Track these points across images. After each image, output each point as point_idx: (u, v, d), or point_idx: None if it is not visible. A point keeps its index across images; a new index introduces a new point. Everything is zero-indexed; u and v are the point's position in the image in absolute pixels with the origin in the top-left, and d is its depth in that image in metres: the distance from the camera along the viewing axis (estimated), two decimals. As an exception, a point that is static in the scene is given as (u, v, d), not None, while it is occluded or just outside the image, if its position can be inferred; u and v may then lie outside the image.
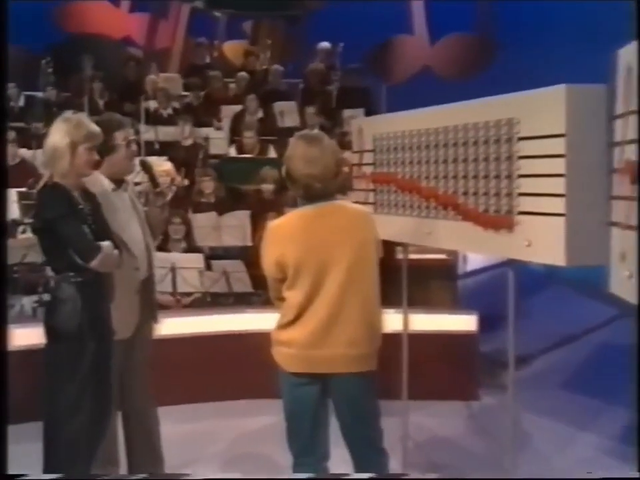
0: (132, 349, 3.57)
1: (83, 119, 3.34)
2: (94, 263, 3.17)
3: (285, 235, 2.93)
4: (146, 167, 3.77)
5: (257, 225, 6.25)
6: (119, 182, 3.59)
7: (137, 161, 3.72)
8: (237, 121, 8.76)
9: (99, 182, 3.51)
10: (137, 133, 7.86)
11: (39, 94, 9.54)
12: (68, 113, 3.39)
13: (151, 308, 3.66)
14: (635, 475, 3.06)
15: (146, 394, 3.72)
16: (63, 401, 3.19)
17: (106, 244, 3.21)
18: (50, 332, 3.25)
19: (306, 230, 2.91)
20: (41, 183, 3.29)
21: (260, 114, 8.95)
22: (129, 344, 3.53)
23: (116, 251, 3.26)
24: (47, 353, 3.25)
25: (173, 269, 5.45)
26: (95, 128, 3.32)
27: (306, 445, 3.01)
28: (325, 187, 2.90)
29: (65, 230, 3.18)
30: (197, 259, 5.65)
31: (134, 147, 3.59)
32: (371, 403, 3.04)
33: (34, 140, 7.89)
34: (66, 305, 3.21)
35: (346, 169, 4.98)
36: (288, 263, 2.88)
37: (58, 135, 3.25)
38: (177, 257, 5.62)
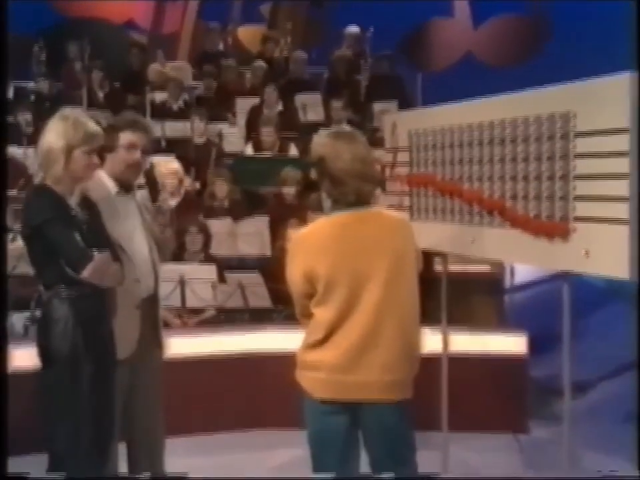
0: (136, 372, 3.60)
1: (81, 118, 3.34)
2: (85, 273, 3.18)
3: (315, 245, 2.95)
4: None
5: (277, 232, 6.31)
6: (126, 186, 3.64)
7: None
8: (254, 115, 8.82)
9: (103, 183, 3.58)
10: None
11: (30, 84, 9.65)
12: (66, 110, 3.39)
13: (154, 332, 3.68)
14: (635, 475, 3.17)
15: (154, 424, 3.73)
16: (61, 431, 3.22)
17: (102, 254, 3.22)
18: (43, 354, 3.27)
19: (338, 239, 2.92)
20: (30, 186, 3.34)
21: (279, 107, 9.03)
22: (132, 366, 3.56)
23: (116, 264, 3.28)
24: (41, 378, 3.27)
25: (182, 282, 5.47)
26: (95, 128, 3.32)
27: None
28: (372, 188, 2.96)
29: (51, 236, 3.20)
30: (208, 271, 5.67)
31: (136, 155, 3.57)
32: (406, 435, 3.06)
33: (24, 136, 8.02)
34: (58, 324, 3.23)
35: (378, 169, 5.04)
36: (318, 277, 2.89)
37: (53, 135, 3.26)
38: (186, 269, 5.63)
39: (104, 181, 3.59)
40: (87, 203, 3.37)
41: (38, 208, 3.24)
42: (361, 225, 2.93)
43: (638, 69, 2.88)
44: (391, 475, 3.00)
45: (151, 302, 3.66)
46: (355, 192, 2.92)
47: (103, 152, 3.58)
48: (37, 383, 3.29)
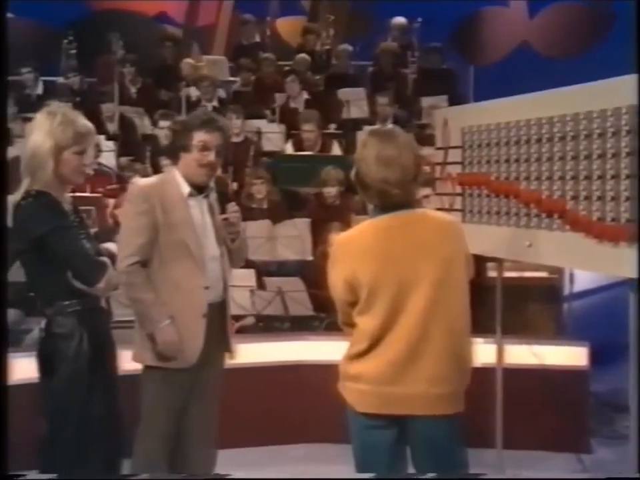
0: (196, 382, 3.65)
1: (70, 114, 3.27)
2: (100, 286, 3.16)
3: (357, 250, 2.96)
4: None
5: (318, 235, 6.32)
6: (199, 188, 3.67)
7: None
8: (287, 112, 8.86)
9: (176, 183, 3.64)
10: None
11: (60, 79, 9.80)
12: (53, 106, 3.33)
13: (223, 337, 3.75)
14: (635, 475, 3.16)
15: (209, 432, 3.78)
16: (69, 456, 3.22)
17: (108, 261, 3.22)
18: (49, 372, 3.23)
19: (382, 244, 2.92)
20: (20, 193, 3.18)
21: (304, 97, 9.05)
22: (192, 375, 3.62)
23: (114, 271, 3.27)
24: (49, 396, 3.24)
25: (219, 288, 5.52)
26: (86, 125, 3.25)
27: None
28: (404, 193, 2.92)
29: (58, 246, 3.12)
30: (247, 276, 5.71)
31: (210, 156, 3.59)
32: (457, 451, 3.04)
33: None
34: (69, 341, 3.19)
35: (427, 169, 5.02)
36: (361, 283, 2.90)
37: (39, 134, 3.18)
38: (222, 274, 5.68)
39: (178, 181, 3.64)
40: (75, 207, 3.36)
41: (40, 217, 3.14)
42: (406, 228, 2.93)
43: (638, 68, 2.89)
44: None
45: (220, 308, 3.71)
46: (378, 195, 2.93)
47: (177, 151, 3.66)
48: (44, 400, 3.28)
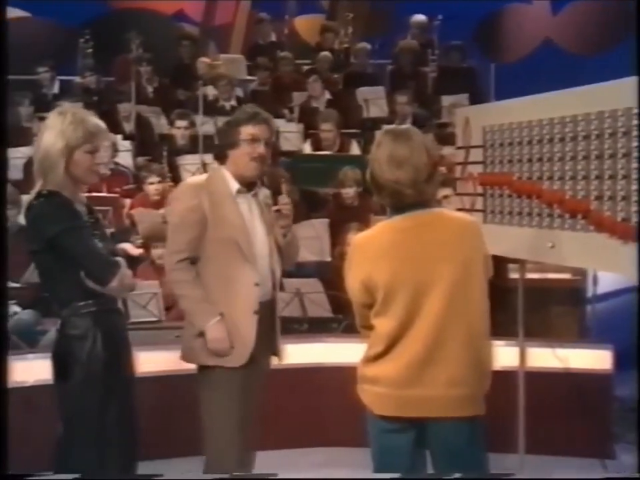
0: (249, 378, 3.66)
1: (80, 114, 3.30)
2: (113, 285, 3.18)
3: (373, 250, 2.96)
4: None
5: (337, 236, 6.31)
6: (248, 184, 3.72)
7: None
8: (307, 111, 8.86)
9: (225, 181, 3.68)
10: (193, 124, 8.16)
11: (76, 79, 9.85)
12: (64, 106, 3.41)
13: (271, 338, 3.78)
14: (635, 475, 3.15)
15: (249, 439, 3.78)
16: (84, 458, 3.24)
17: (123, 260, 3.24)
18: (65, 375, 3.24)
19: (398, 245, 2.92)
20: (33, 194, 3.22)
21: (326, 97, 9.05)
22: (244, 374, 3.63)
23: (129, 271, 3.29)
24: (64, 402, 3.26)
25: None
26: (97, 124, 3.28)
27: None
28: (417, 193, 2.92)
29: (71, 247, 3.15)
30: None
31: (260, 148, 3.64)
32: (476, 455, 3.01)
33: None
34: (83, 342, 3.20)
35: (443, 169, 5.00)
36: (377, 285, 2.90)
37: (50, 135, 3.20)
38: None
39: (226, 179, 3.69)
40: (89, 207, 3.37)
41: (52, 217, 3.16)
42: (423, 228, 2.93)
43: (638, 68, 2.87)
44: None
45: (269, 307, 3.74)
46: (391, 196, 2.93)
47: (225, 149, 3.71)
48: (60, 402, 3.29)
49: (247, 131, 3.64)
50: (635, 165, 3.21)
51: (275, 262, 3.75)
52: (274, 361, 3.89)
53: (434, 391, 2.89)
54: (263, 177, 3.87)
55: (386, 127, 3.22)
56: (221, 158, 3.79)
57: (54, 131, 3.19)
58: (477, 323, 2.93)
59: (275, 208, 3.76)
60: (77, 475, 2.95)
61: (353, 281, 2.98)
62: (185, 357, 3.77)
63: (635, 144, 3.21)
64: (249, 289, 3.62)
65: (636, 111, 3.19)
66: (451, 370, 2.88)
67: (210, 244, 3.63)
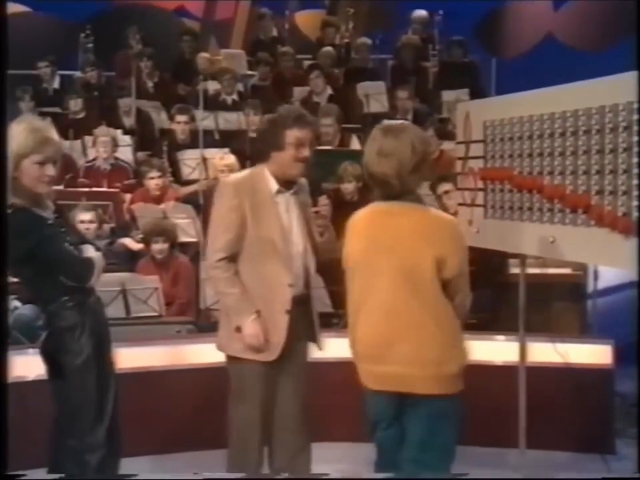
0: (280, 376, 3.82)
1: (36, 123, 3.38)
2: (92, 280, 3.37)
3: (352, 228, 3.24)
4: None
5: (337, 230, 6.31)
6: (287, 183, 3.80)
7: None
8: (307, 105, 8.84)
9: (265, 181, 3.77)
10: (193, 119, 8.16)
11: (77, 73, 9.84)
12: (25, 116, 3.47)
13: (308, 330, 3.92)
14: (636, 475, 3.33)
15: (301, 424, 3.92)
16: (87, 449, 3.36)
17: (95, 254, 3.38)
18: (58, 365, 3.37)
19: (367, 228, 3.19)
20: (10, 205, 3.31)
21: (327, 92, 9.04)
22: (276, 368, 3.78)
23: (97, 254, 3.45)
24: (59, 389, 3.39)
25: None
26: (49, 136, 3.34)
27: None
28: (401, 185, 3.10)
29: (48, 257, 3.29)
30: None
31: (305, 152, 3.73)
32: (437, 435, 3.10)
33: (71, 128, 8.18)
34: (74, 333, 3.34)
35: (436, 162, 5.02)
36: (347, 257, 3.21)
37: (10, 144, 3.25)
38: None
39: (266, 178, 3.77)
40: (57, 209, 3.50)
41: (22, 233, 3.27)
42: (392, 218, 3.13)
43: (638, 68, 2.87)
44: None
45: (303, 301, 3.86)
46: (378, 186, 3.15)
47: (269, 150, 3.76)
48: (55, 396, 3.41)
49: (293, 134, 3.71)
50: (635, 160, 3.21)
51: (309, 260, 3.86)
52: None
53: (394, 367, 3.09)
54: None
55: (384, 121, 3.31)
56: (263, 157, 3.84)
57: (12, 140, 3.26)
58: (434, 308, 3.08)
59: (314, 209, 3.83)
60: (62, 475, 3.03)
61: (343, 252, 3.26)
62: (221, 348, 3.90)
63: (636, 138, 3.21)
64: (283, 290, 3.75)
65: (636, 105, 3.19)
66: (408, 348, 3.07)
67: (249, 243, 3.74)
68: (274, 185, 3.77)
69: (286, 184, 3.79)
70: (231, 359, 3.85)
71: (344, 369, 3.47)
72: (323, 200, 3.89)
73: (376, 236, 3.14)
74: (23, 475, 2.95)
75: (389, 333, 3.11)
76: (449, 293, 3.11)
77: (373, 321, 3.13)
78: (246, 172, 4.05)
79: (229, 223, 3.71)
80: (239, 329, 3.72)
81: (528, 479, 4.52)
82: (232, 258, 3.73)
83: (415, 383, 3.08)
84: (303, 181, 3.92)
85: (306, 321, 3.89)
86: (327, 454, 5.14)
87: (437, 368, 3.07)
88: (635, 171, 3.20)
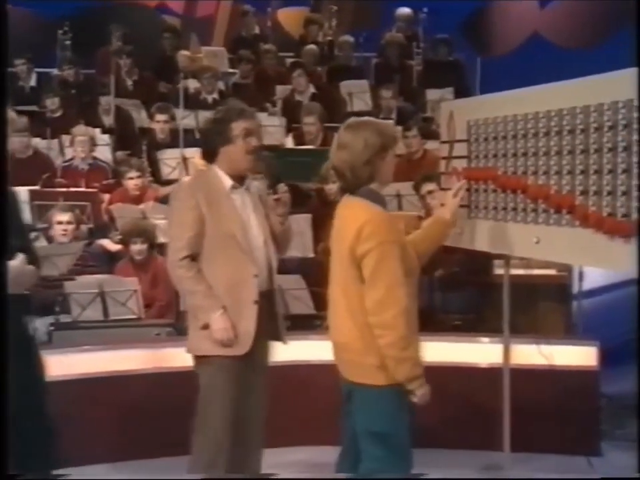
0: (250, 373, 3.86)
1: None
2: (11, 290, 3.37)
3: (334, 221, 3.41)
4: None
5: (320, 231, 6.30)
6: (239, 179, 3.89)
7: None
8: (290, 104, 8.84)
9: (218, 178, 3.86)
10: (173, 118, 8.14)
11: (54, 71, 9.79)
12: None
13: (272, 326, 3.95)
14: (636, 475, 3.35)
15: (261, 423, 3.99)
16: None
17: (12, 263, 3.37)
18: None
19: (334, 222, 3.37)
20: None
21: (310, 91, 9.05)
22: (246, 364, 3.83)
23: (30, 267, 3.48)
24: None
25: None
26: None
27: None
28: (354, 178, 3.27)
29: None
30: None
31: (254, 141, 3.83)
32: (367, 423, 3.22)
33: (48, 127, 8.14)
34: None
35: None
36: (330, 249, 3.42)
37: None
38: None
39: (219, 176, 3.86)
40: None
41: None
42: (339, 212, 3.35)
43: (638, 68, 2.88)
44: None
45: (268, 296, 3.92)
46: (338, 178, 3.36)
47: (217, 147, 3.85)
48: None
49: (240, 126, 3.81)
50: (619, 160, 3.23)
51: (270, 252, 3.94)
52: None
53: (336, 353, 3.35)
54: (257, 169, 3.98)
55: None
56: (212, 156, 3.92)
57: None
58: (355, 303, 3.21)
59: (274, 197, 3.94)
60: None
61: None
62: (191, 349, 3.94)
63: (621, 138, 3.23)
64: (249, 280, 3.83)
65: (621, 104, 3.21)
66: (340, 337, 3.29)
67: (209, 240, 3.82)
68: (228, 182, 3.86)
69: (239, 180, 3.88)
70: (200, 359, 3.89)
71: (329, 371, 3.47)
72: (282, 187, 3.93)
73: (335, 230, 3.36)
74: (23, 475, 3.00)
75: (333, 323, 3.34)
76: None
77: (330, 311, 3.37)
78: (198, 173, 4.12)
79: (188, 222, 3.80)
80: (206, 326, 3.78)
81: (490, 479, 4.53)
82: (194, 257, 3.81)
83: (345, 369, 3.29)
84: (256, 183, 4.05)
85: (270, 318, 3.94)
86: (312, 457, 5.16)
87: (357, 357, 3.22)
88: (619, 170, 3.22)
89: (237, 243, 3.81)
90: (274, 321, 3.97)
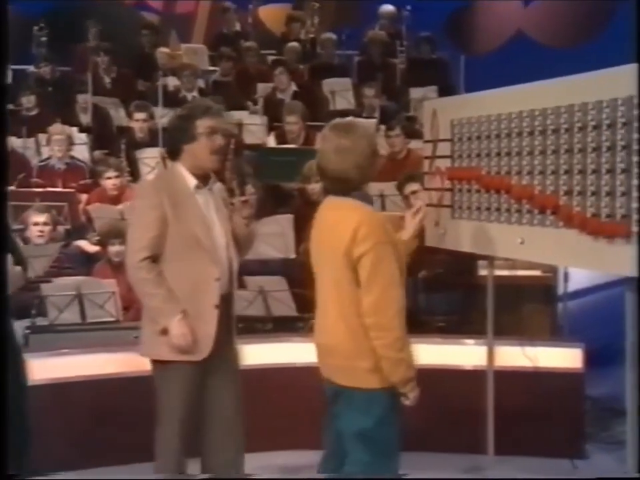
0: (214, 373, 3.80)
1: None
2: None
3: (314, 223, 3.38)
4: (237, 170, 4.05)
5: (302, 232, 6.31)
6: (203, 178, 3.82)
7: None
8: (271, 103, 8.84)
9: (181, 177, 3.79)
10: (152, 117, 8.13)
11: (30, 68, 9.75)
12: None
13: (229, 332, 3.90)
14: (635, 475, 3.30)
15: (236, 427, 3.92)
16: None
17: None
18: None
19: (318, 222, 3.36)
20: None
21: (292, 89, 9.06)
22: (206, 370, 3.77)
23: (18, 268, 3.50)
24: None
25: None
26: None
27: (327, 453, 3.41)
28: (343, 181, 3.24)
29: None
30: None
31: (219, 140, 3.77)
32: (351, 428, 3.20)
33: (24, 126, 8.10)
34: None
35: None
36: (310, 253, 3.39)
37: None
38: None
39: (183, 175, 3.80)
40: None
41: None
42: (326, 212, 3.32)
43: (638, 68, 2.91)
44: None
45: (227, 301, 3.85)
46: (333, 182, 3.28)
47: (181, 144, 3.78)
48: None
49: (204, 124, 3.75)
50: (603, 160, 3.26)
51: (232, 254, 3.87)
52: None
53: (323, 357, 3.33)
54: (224, 169, 3.93)
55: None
56: (175, 154, 3.85)
57: None
58: (347, 306, 3.21)
59: (242, 198, 3.87)
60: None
61: None
62: (145, 353, 3.89)
63: (605, 138, 3.25)
64: (211, 284, 3.76)
65: (605, 104, 3.23)
66: (329, 340, 3.27)
67: (171, 241, 3.74)
68: (192, 181, 3.79)
69: (203, 179, 3.82)
70: (157, 364, 3.82)
71: (312, 373, 3.48)
72: (250, 189, 3.91)
73: (318, 232, 3.33)
74: (23, 475, 3.00)
75: (322, 325, 3.32)
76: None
77: (317, 313, 3.35)
78: (161, 171, 4.07)
79: (150, 222, 3.72)
80: (164, 331, 3.71)
81: (475, 478, 4.55)
82: (155, 258, 3.73)
83: (333, 373, 3.27)
84: (218, 185, 3.95)
85: (228, 321, 3.89)
86: (295, 461, 5.17)
87: (347, 361, 3.20)
88: (603, 171, 3.25)
89: (200, 244, 3.74)
90: (230, 326, 3.91)
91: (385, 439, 3.23)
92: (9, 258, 3.42)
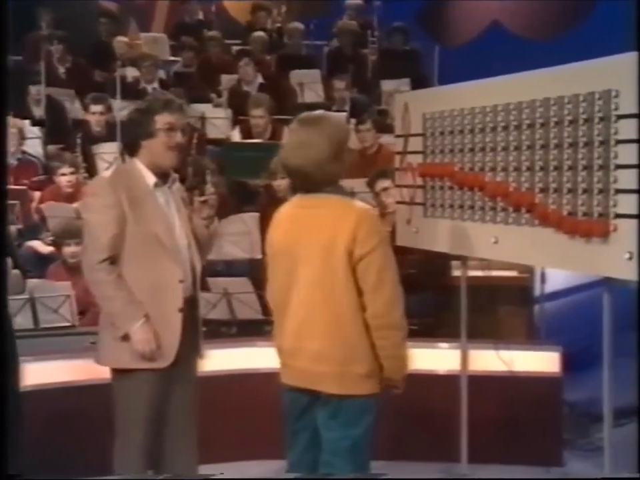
0: (174, 380, 3.77)
1: None
2: None
3: (275, 222, 3.38)
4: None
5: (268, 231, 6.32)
6: (163, 176, 3.79)
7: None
8: (236, 95, 8.84)
9: (140, 174, 3.74)
10: (110, 109, 8.10)
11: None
12: None
13: (194, 337, 3.85)
14: (635, 475, 3.37)
15: (190, 436, 3.90)
16: None
17: None
18: None
19: (287, 221, 3.32)
20: None
21: (258, 81, 9.07)
22: (168, 376, 3.73)
23: (15, 271, 3.39)
24: None
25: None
26: None
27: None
28: (321, 176, 3.22)
29: None
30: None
31: (177, 137, 3.74)
32: (341, 438, 3.18)
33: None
34: None
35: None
36: (268, 252, 3.36)
37: None
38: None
39: (141, 171, 3.76)
40: None
41: None
42: (307, 210, 3.26)
43: (638, 68, 2.96)
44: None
45: (190, 304, 3.83)
46: (296, 178, 3.29)
47: (138, 140, 3.75)
48: None
49: (163, 119, 3.72)
50: (579, 156, 3.29)
51: (194, 255, 3.84)
52: (200, 366, 3.97)
53: (303, 364, 3.23)
54: (183, 167, 3.91)
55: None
56: (133, 149, 3.83)
57: None
58: (342, 308, 3.17)
59: (201, 198, 3.85)
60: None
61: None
62: (106, 361, 3.83)
63: (581, 133, 3.29)
64: (174, 286, 3.73)
65: (582, 98, 3.27)
66: (317, 346, 3.19)
67: (131, 241, 3.70)
68: (151, 178, 3.76)
69: (162, 177, 3.79)
70: (116, 372, 3.78)
71: (278, 380, 3.48)
72: (210, 188, 3.89)
73: (292, 231, 3.26)
74: (23, 475, 3.00)
75: (304, 328, 3.21)
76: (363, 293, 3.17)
77: (294, 316, 3.24)
78: (117, 167, 4.05)
79: (108, 221, 3.67)
80: (126, 337, 3.67)
81: (455, 478, 4.58)
82: (114, 259, 3.69)
83: (320, 381, 3.19)
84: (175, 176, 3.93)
85: (192, 326, 3.85)
86: (261, 472, 5.17)
87: (340, 367, 3.16)
88: (580, 167, 3.28)
89: (162, 244, 3.71)
90: (195, 331, 3.88)
91: (367, 448, 3.25)
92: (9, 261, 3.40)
